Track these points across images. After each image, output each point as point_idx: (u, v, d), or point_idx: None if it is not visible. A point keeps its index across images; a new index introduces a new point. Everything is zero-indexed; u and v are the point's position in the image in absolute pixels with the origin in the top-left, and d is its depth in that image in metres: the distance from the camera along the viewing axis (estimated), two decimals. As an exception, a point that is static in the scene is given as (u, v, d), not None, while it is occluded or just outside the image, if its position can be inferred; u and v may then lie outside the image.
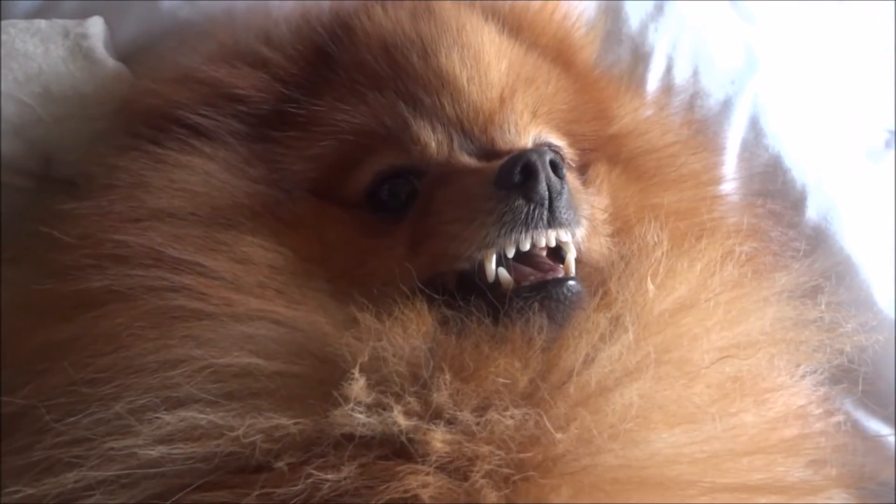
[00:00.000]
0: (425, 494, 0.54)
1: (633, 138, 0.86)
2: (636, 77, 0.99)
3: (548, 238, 0.65)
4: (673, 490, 0.57)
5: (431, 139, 0.72)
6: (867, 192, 1.06)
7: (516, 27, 0.83)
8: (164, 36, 0.91)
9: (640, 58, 1.00)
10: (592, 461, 0.57)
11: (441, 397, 0.58)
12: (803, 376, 0.73)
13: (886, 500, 0.81)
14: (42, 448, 0.59)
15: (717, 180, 0.93)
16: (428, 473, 0.55)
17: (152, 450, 0.56)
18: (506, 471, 0.56)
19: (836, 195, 1.01)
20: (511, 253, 0.64)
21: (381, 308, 0.62)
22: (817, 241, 0.98)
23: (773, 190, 0.99)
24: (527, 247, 0.64)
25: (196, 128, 0.74)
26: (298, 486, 0.54)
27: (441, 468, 0.56)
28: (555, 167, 0.64)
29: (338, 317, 0.63)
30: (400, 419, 0.57)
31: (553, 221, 0.65)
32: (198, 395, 0.58)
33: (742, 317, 0.67)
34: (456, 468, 0.56)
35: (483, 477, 0.55)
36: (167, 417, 0.57)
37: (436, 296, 0.64)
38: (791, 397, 0.71)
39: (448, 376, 0.58)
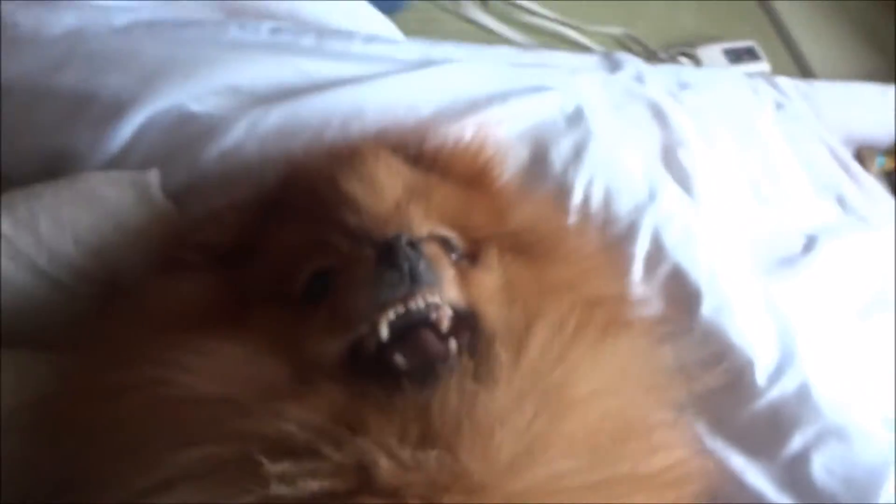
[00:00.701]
0: None
1: (525, 232, 1.02)
2: (561, 205, 1.25)
3: (416, 301, 0.81)
4: None
5: (343, 243, 0.89)
6: (755, 292, 1.27)
7: (429, 161, 1.05)
8: (201, 187, 1.18)
9: (563, 192, 1.27)
10: (500, 485, 0.69)
11: (354, 450, 0.72)
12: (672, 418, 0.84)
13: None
14: None
15: (607, 260, 1.12)
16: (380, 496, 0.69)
17: None
18: (432, 496, 0.69)
19: (728, 294, 1.23)
20: (392, 315, 0.80)
21: (306, 386, 0.75)
22: (709, 332, 1.18)
23: (675, 289, 1.22)
24: (402, 310, 0.80)
25: (185, 263, 0.97)
26: None
27: (387, 494, 0.70)
28: (412, 245, 0.80)
29: (269, 397, 0.77)
30: (310, 483, 0.70)
31: (416, 281, 0.79)
32: (182, 476, 0.70)
33: (605, 362, 0.84)
34: (397, 495, 0.70)
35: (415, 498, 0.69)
36: (164, 498, 0.70)
37: (356, 364, 0.80)
38: (665, 435, 0.82)
39: (350, 435, 0.69)
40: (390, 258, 0.81)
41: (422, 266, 0.82)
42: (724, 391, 1.10)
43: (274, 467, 0.70)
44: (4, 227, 1.05)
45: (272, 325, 0.87)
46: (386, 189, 0.94)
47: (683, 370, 0.97)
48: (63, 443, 0.83)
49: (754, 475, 1.11)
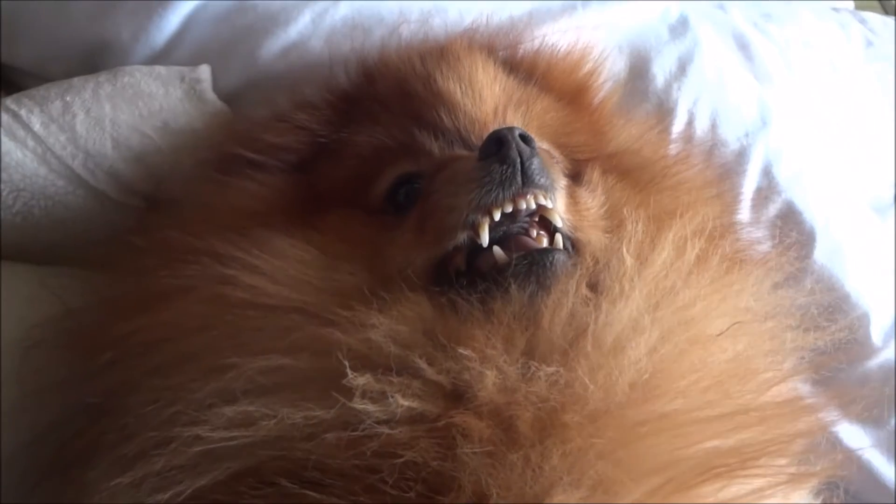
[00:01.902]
0: (475, 435, 0.59)
1: (628, 155, 0.95)
2: (663, 127, 1.11)
3: (528, 201, 0.72)
4: (684, 433, 0.64)
5: (434, 146, 0.83)
6: (872, 239, 1.16)
7: (526, 70, 0.96)
8: (260, 86, 1.05)
9: (665, 112, 1.13)
10: (617, 415, 0.62)
11: (451, 367, 0.63)
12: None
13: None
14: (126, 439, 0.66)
15: (718, 193, 1.01)
16: (479, 416, 0.61)
17: (215, 434, 0.62)
18: (545, 418, 0.61)
19: (842, 238, 1.11)
20: (497, 216, 0.72)
21: (390, 296, 0.68)
22: (821, 278, 1.07)
23: (787, 232, 1.07)
24: (509, 209, 0.71)
25: (252, 163, 0.89)
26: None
27: (488, 414, 0.61)
28: (525, 139, 0.73)
29: (350, 306, 0.68)
30: (400, 400, 0.61)
31: (527, 182, 0.71)
32: (246, 389, 0.64)
33: (732, 299, 0.75)
34: (501, 415, 0.61)
35: (526, 423, 0.61)
36: (226, 410, 0.63)
37: (442, 281, 0.72)
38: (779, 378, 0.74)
39: (445, 349, 0.64)
40: (501, 151, 0.72)
41: (535, 163, 0.73)
42: (834, 346, 0.96)
43: (358, 380, 0.62)
44: (36, 124, 0.92)
45: (351, 231, 0.80)
46: (485, 92, 0.86)
47: (798, 319, 0.87)
48: (99, 358, 0.73)
49: (861, 441, 1.00)
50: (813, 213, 1.11)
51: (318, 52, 1.05)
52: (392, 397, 0.61)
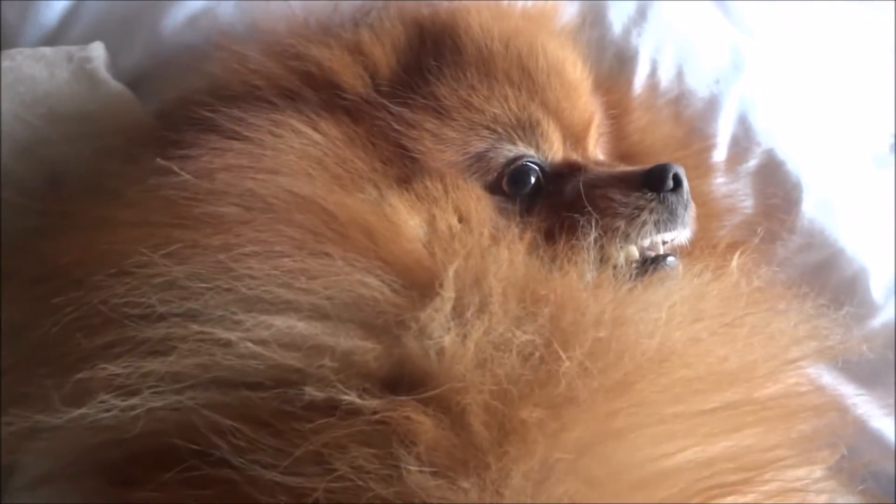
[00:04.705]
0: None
1: (637, 145, 0.93)
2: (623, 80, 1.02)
3: (678, 235, 0.78)
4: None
5: (557, 139, 0.80)
6: (865, 189, 1.06)
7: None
8: (168, 61, 0.94)
9: (624, 61, 1.02)
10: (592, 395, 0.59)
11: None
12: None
13: (878, 488, 0.81)
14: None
15: (711, 171, 0.97)
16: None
17: (244, 345, 0.57)
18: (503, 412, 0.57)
19: (832, 189, 1.01)
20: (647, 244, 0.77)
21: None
22: (812, 234, 0.99)
23: (769, 183, 1.01)
24: (668, 240, 0.78)
25: (308, 100, 0.77)
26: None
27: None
28: (677, 180, 0.77)
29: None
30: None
31: (675, 216, 0.77)
32: (302, 304, 0.60)
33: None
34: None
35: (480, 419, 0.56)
36: (272, 320, 0.58)
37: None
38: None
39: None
40: (677, 192, 0.77)
41: (682, 204, 0.78)
42: (832, 306, 0.86)
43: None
44: None
45: (464, 204, 0.75)
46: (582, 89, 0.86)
47: (788, 282, 0.82)
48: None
49: (867, 406, 0.92)
50: (797, 163, 1.02)
51: (230, 18, 0.94)
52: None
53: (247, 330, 0.58)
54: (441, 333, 0.58)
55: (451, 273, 0.61)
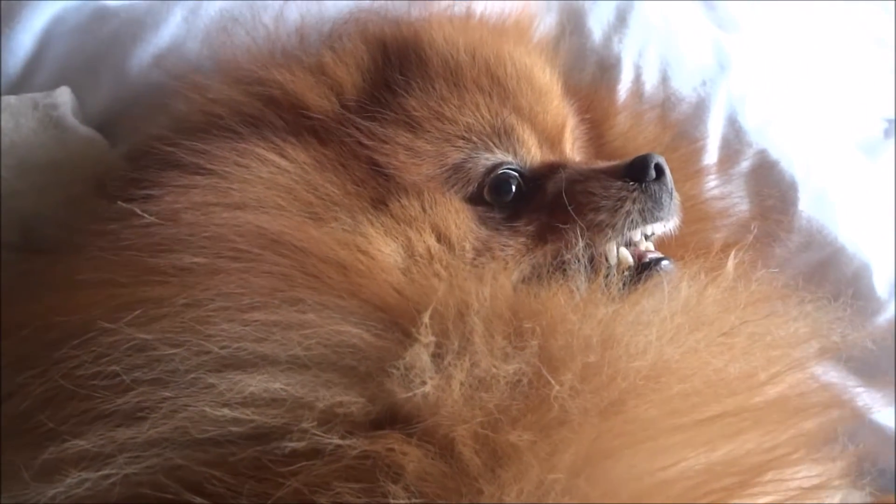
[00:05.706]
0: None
1: (619, 150, 0.91)
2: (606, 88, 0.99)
3: (665, 225, 0.77)
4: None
5: (533, 143, 0.79)
6: (862, 182, 1.04)
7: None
8: (136, 101, 0.91)
9: (606, 69, 1.00)
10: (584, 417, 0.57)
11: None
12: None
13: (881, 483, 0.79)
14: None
15: (701, 174, 0.95)
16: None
17: (220, 412, 0.55)
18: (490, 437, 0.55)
19: (827, 185, 0.99)
20: (637, 237, 0.75)
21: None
22: (811, 232, 0.97)
23: (764, 184, 0.98)
24: (650, 232, 0.76)
25: (272, 125, 0.75)
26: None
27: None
28: (660, 169, 0.76)
29: None
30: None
31: (661, 207, 0.76)
32: (280, 358, 0.57)
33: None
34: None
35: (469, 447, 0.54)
36: (249, 380, 0.56)
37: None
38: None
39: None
40: (660, 181, 0.76)
41: (667, 192, 0.77)
42: (835, 304, 0.83)
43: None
44: None
45: (443, 221, 0.73)
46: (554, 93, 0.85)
47: (788, 282, 0.80)
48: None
49: (872, 401, 0.90)
50: (791, 160, 0.99)
51: (197, 55, 0.91)
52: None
53: (220, 394, 0.55)
54: (424, 379, 0.56)
55: (426, 318, 0.58)
